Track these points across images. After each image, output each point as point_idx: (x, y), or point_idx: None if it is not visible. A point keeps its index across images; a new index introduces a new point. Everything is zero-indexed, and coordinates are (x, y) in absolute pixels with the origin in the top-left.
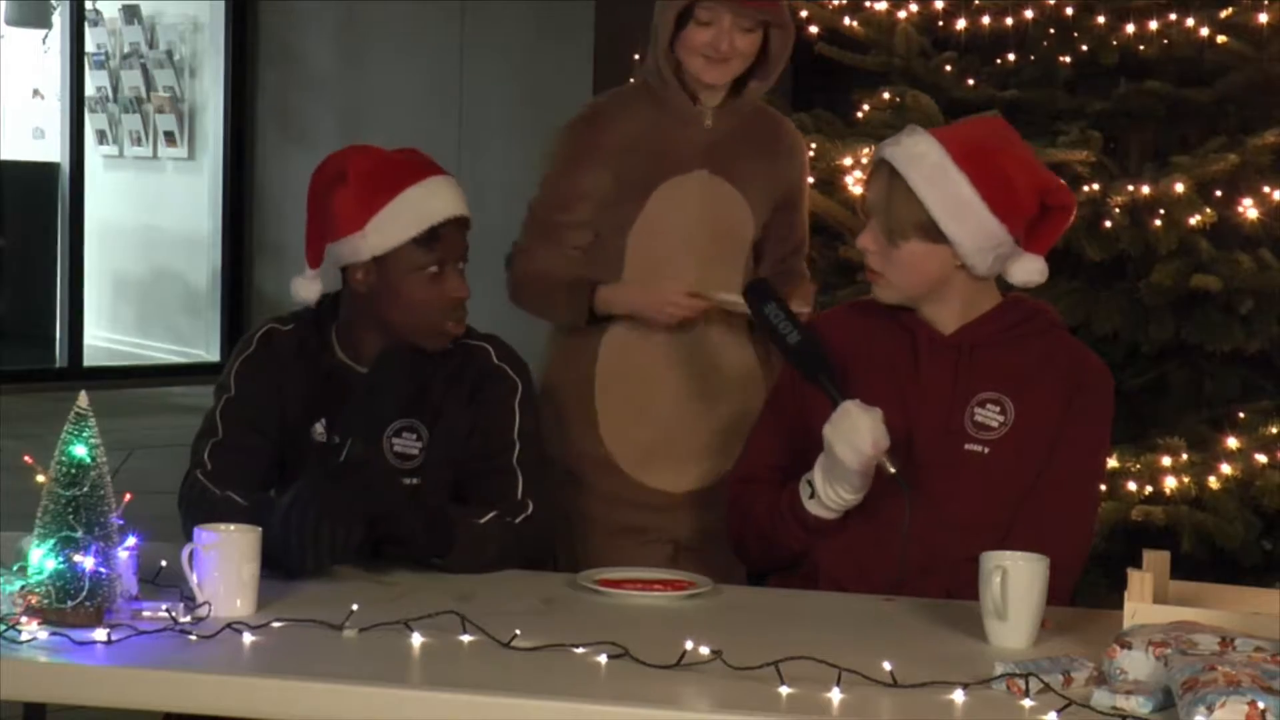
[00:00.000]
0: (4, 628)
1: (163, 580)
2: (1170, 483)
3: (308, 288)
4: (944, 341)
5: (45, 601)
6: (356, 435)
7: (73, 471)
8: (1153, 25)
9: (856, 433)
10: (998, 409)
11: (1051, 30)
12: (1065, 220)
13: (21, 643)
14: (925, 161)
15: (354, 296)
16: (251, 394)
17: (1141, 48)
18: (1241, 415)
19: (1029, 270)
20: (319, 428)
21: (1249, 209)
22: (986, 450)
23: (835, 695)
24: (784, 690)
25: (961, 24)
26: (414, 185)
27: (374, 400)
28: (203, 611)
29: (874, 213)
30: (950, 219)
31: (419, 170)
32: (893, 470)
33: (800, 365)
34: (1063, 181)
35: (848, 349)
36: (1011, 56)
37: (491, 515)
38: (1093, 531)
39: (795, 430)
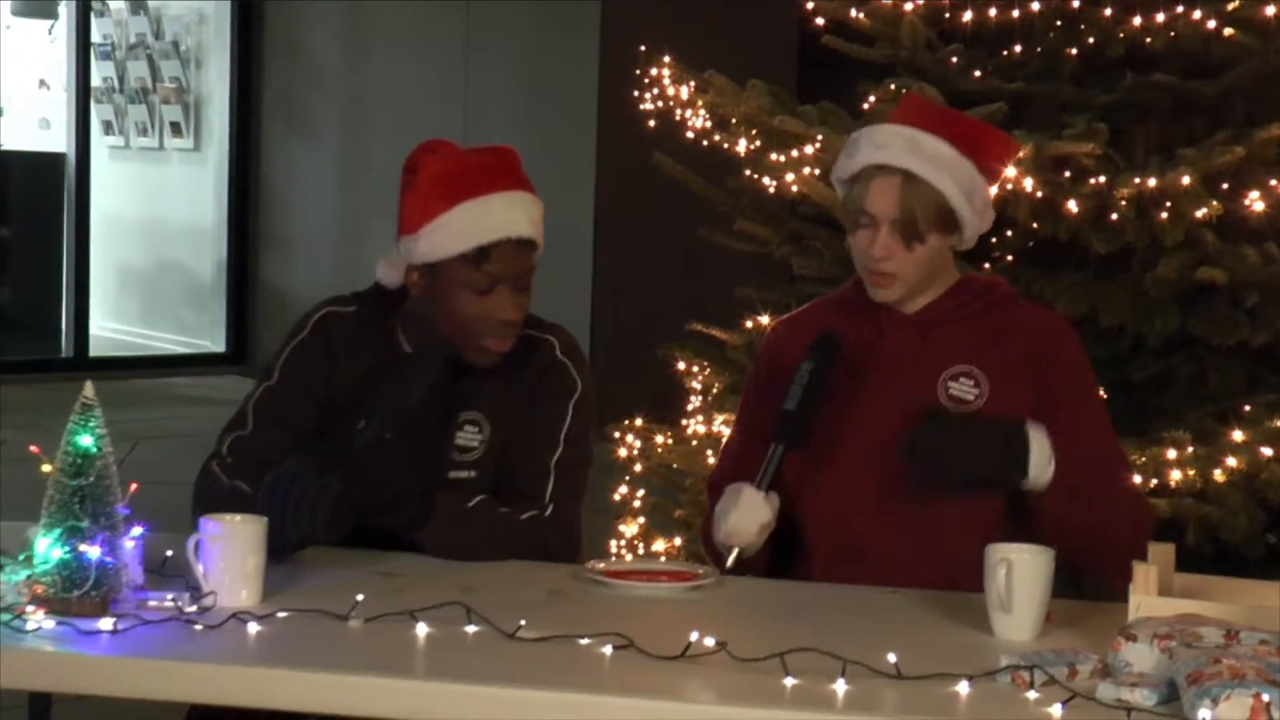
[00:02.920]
0: (10, 617)
1: (168, 570)
2: (1175, 476)
3: (391, 271)
4: (908, 320)
5: (51, 591)
6: (378, 418)
7: (78, 461)
8: (1159, 18)
9: (724, 515)
10: (971, 382)
11: (1058, 23)
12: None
13: (27, 632)
14: (939, 156)
15: (413, 297)
16: (294, 386)
17: (1148, 40)
18: (1247, 408)
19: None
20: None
21: (1255, 202)
22: None
23: (840, 687)
24: (789, 682)
25: (967, 16)
26: (473, 200)
27: (402, 387)
28: (208, 602)
29: (887, 220)
30: (968, 205)
31: (486, 183)
32: (728, 565)
33: (776, 425)
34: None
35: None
36: (1018, 49)
37: (480, 499)
38: (1131, 473)
39: (766, 433)
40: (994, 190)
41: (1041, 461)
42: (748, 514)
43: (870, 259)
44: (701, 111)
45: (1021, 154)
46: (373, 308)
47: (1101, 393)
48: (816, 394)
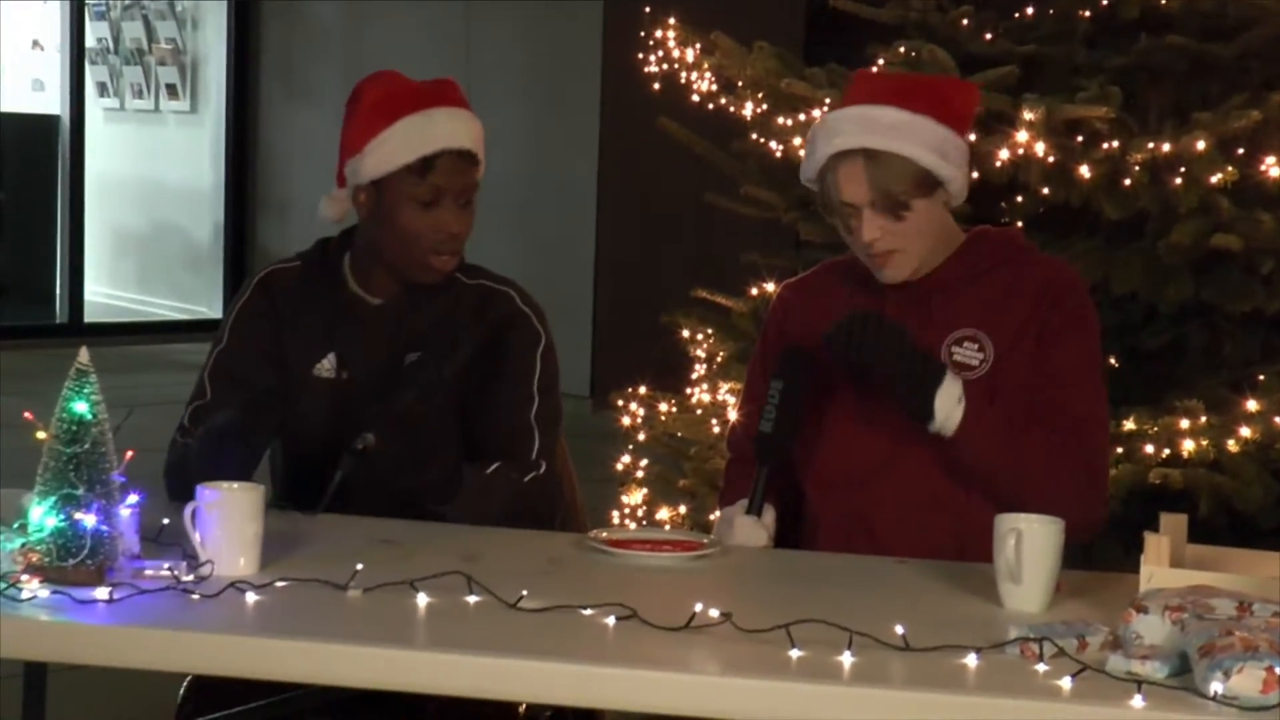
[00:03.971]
0: (4, 586)
1: (165, 538)
2: (1188, 445)
3: (332, 206)
4: (911, 286)
5: (46, 560)
6: (415, 387)
7: (74, 429)
8: None
9: (730, 538)
10: (975, 346)
11: None
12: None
13: (22, 601)
14: (893, 124)
15: (361, 222)
16: (245, 346)
17: (1163, 2)
18: (1261, 377)
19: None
20: (326, 363)
21: (1272, 167)
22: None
23: (846, 658)
24: (794, 653)
25: None
26: (416, 113)
27: (440, 359)
28: (205, 570)
29: (865, 203)
30: (941, 162)
31: (427, 99)
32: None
33: (756, 447)
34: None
35: (819, 317)
36: (1030, 10)
37: (497, 466)
38: (1106, 443)
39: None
40: (972, 137)
41: (948, 406)
42: (744, 543)
43: (866, 246)
44: (707, 74)
45: (1033, 117)
46: (317, 261)
47: (1101, 354)
48: (791, 411)
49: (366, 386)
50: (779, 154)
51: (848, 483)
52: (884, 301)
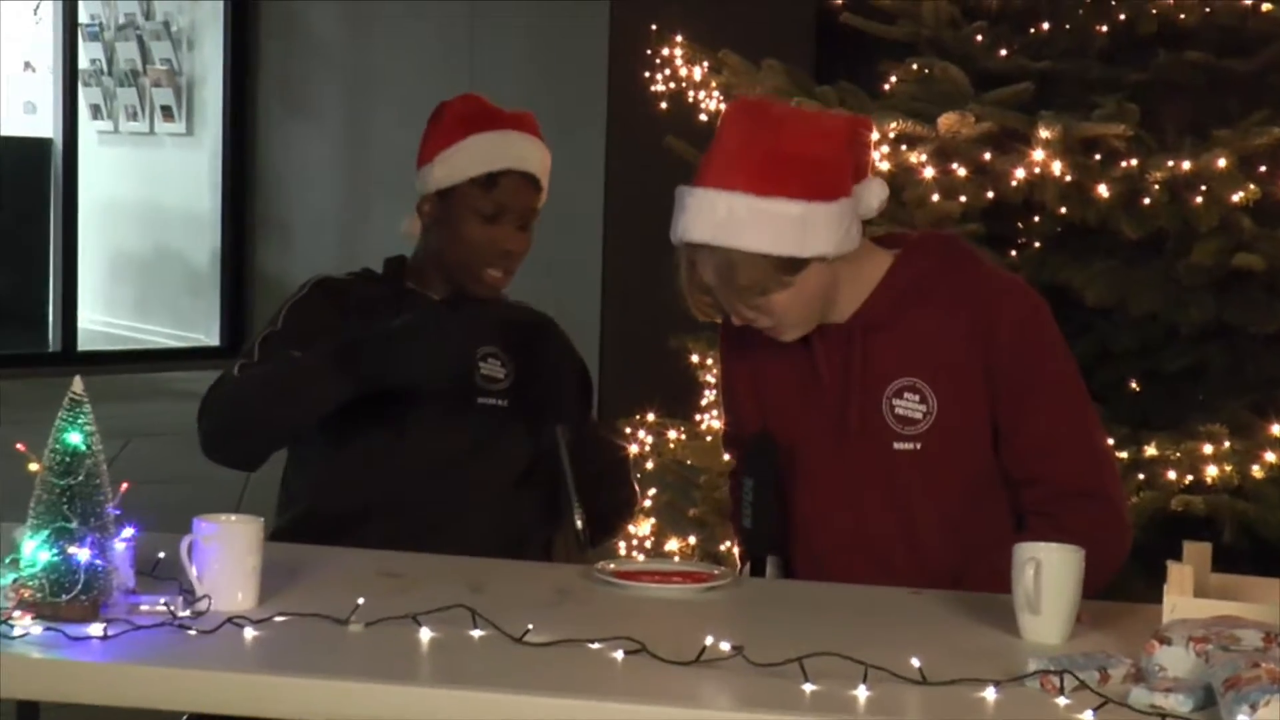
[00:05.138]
0: None
1: (161, 573)
2: (1211, 471)
3: (410, 225)
4: (837, 332)
5: (39, 595)
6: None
7: (67, 460)
8: None
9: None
10: (917, 397)
11: None
12: (870, 140)
13: (14, 638)
14: (738, 217)
15: (423, 233)
16: (299, 333)
17: (1181, 16)
18: None
19: (874, 201)
20: None
21: None
22: (918, 446)
23: (861, 693)
24: (808, 688)
25: None
26: (490, 131)
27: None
28: (202, 605)
29: (725, 294)
30: (800, 244)
31: (505, 122)
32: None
33: (744, 541)
34: (841, 114)
35: (753, 367)
36: (1045, 26)
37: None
38: (1112, 461)
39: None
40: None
41: None
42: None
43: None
44: (715, 93)
45: (1049, 135)
46: (366, 279)
47: (1078, 376)
48: (767, 503)
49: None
50: None
51: (835, 550)
52: (813, 353)
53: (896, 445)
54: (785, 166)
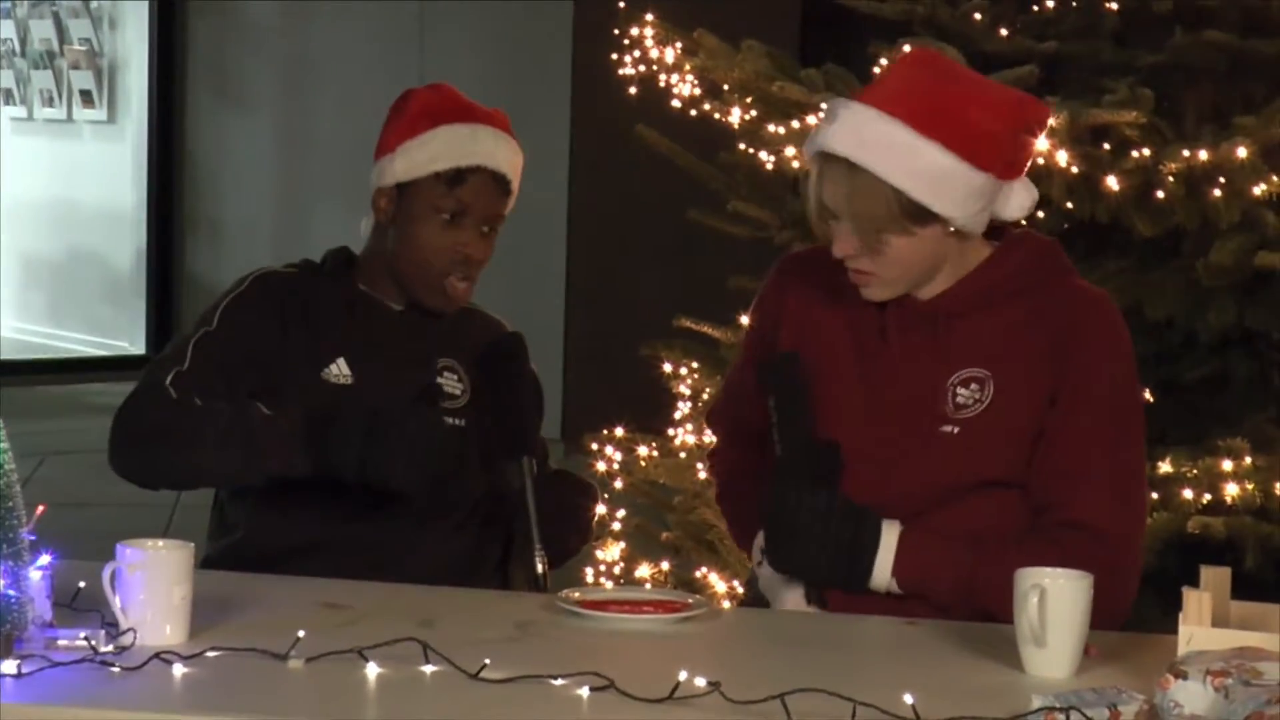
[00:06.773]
0: None
1: (81, 604)
2: (1232, 490)
3: (369, 224)
4: (917, 311)
5: None
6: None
7: None
8: None
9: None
10: (978, 387)
11: None
12: (1039, 133)
13: None
14: (889, 143)
15: (374, 230)
16: (236, 337)
17: None
18: None
19: (1021, 203)
20: (335, 369)
21: None
22: (957, 430)
23: None
24: None
25: None
26: (460, 124)
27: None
28: (127, 640)
29: (840, 215)
30: (935, 196)
31: (477, 115)
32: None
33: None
34: (1023, 94)
35: (806, 309)
36: (1050, 3)
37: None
38: (1141, 519)
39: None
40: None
41: (885, 570)
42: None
43: (840, 258)
44: (690, 77)
45: (1055, 123)
46: (310, 272)
47: (1130, 409)
48: (799, 419)
49: (383, 395)
50: (770, 166)
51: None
52: (884, 327)
53: (942, 428)
54: (954, 118)
